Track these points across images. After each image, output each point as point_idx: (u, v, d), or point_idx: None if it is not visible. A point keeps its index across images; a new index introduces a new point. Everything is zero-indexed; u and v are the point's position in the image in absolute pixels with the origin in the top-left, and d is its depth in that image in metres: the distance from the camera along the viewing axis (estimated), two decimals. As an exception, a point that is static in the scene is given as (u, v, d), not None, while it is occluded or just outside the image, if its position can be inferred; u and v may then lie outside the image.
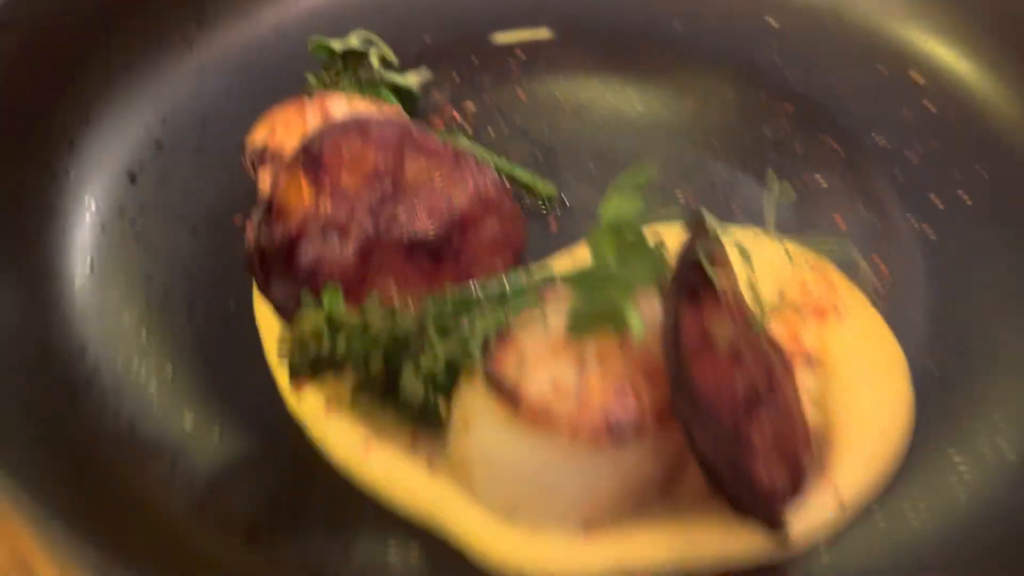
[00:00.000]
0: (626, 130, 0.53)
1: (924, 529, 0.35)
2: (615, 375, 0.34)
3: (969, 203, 0.48)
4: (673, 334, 0.32)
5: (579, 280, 0.33)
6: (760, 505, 0.34)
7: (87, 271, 0.43)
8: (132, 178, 0.48)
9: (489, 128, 0.53)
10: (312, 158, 0.40)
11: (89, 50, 0.49)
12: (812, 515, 0.35)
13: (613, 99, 0.56)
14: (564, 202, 0.49)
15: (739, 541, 0.34)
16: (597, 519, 0.35)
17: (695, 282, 0.33)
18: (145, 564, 0.26)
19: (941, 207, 0.49)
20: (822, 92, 0.55)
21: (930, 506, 0.36)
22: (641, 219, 0.34)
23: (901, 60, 0.56)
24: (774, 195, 0.38)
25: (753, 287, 0.36)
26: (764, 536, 0.35)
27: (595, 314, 0.34)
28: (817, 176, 0.51)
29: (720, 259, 0.35)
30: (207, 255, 0.46)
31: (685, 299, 0.33)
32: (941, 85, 0.54)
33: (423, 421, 0.37)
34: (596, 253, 0.33)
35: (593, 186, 0.49)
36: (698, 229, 0.34)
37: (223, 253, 0.45)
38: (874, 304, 0.44)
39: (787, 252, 0.37)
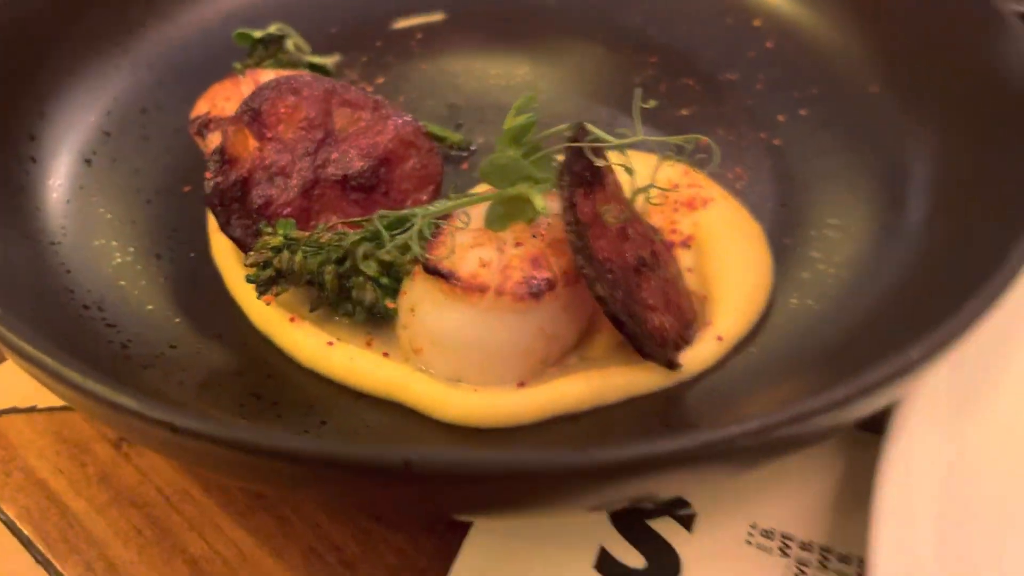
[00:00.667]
0: (518, 86, 0.62)
1: (784, 352, 0.44)
2: (529, 251, 0.42)
3: (806, 115, 0.58)
4: (571, 211, 0.40)
5: (492, 175, 0.41)
6: (656, 346, 0.42)
7: (63, 238, 0.49)
8: (88, 162, 0.54)
9: (399, 96, 0.61)
10: (254, 114, 0.47)
11: (39, 60, 0.55)
12: (698, 352, 0.44)
13: (504, 64, 0.64)
14: (471, 147, 0.57)
15: (642, 375, 0.42)
16: (528, 374, 0.42)
17: (583, 173, 0.42)
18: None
19: (784, 121, 0.58)
20: (681, 44, 0.65)
21: (787, 333, 0.45)
22: (533, 128, 0.43)
23: (746, 12, 0.66)
24: (638, 103, 0.46)
25: (633, 186, 0.45)
26: (661, 370, 0.43)
27: (507, 206, 0.42)
28: (682, 110, 0.60)
29: (603, 159, 0.43)
30: (163, 218, 0.52)
31: (576, 185, 0.41)
32: (778, 26, 0.64)
33: (375, 321, 0.45)
34: (504, 154, 0.41)
35: (496, 131, 0.57)
36: (582, 133, 0.43)
37: (177, 216, 0.52)
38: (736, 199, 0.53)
39: (659, 160, 0.45)
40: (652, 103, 0.46)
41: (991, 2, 0.51)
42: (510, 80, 0.62)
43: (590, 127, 0.43)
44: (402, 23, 0.67)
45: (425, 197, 0.49)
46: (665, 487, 0.36)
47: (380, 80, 0.62)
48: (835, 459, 0.43)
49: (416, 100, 0.60)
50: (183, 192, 0.54)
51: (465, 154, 0.57)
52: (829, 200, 0.52)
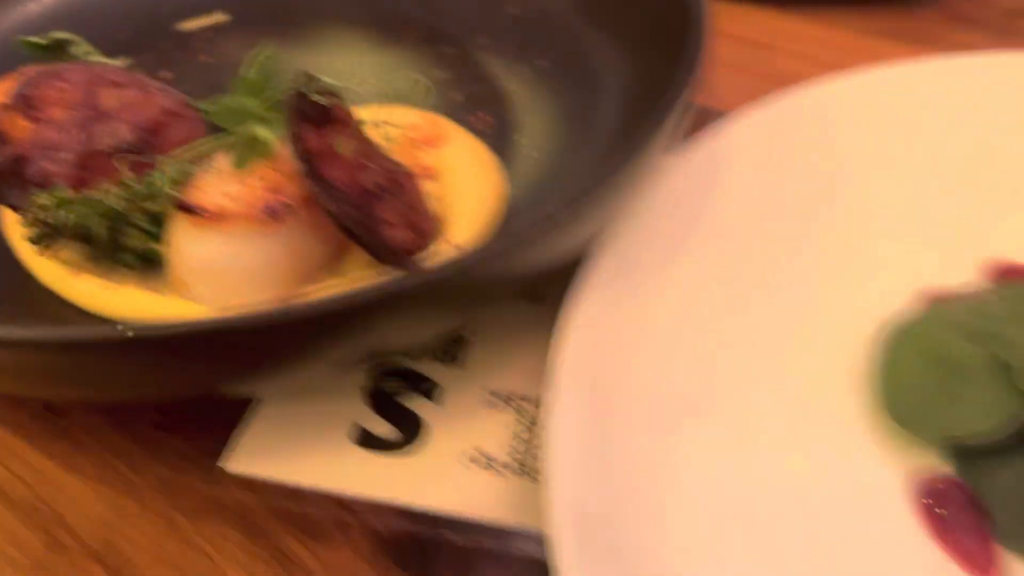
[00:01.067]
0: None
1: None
2: (270, 182, 0.48)
3: (546, 66, 0.67)
4: (296, 142, 0.47)
5: (225, 117, 0.48)
6: (392, 254, 0.49)
7: None
8: None
9: (182, 88, 0.67)
10: (24, 99, 0.52)
11: None
12: (437, 257, 0.51)
13: (285, 55, 0.71)
14: (249, 123, 0.64)
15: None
16: (286, 291, 0.49)
17: (308, 109, 0.49)
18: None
19: (528, 72, 0.67)
20: (436, 17, 0.73)
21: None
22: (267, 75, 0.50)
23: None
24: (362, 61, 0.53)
25: (377, 127, 0.52)
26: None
27: (245, 147, 0.48)
28: (438, 72, 0.68)
29: (338, 102, 0.51)
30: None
31: (300, 119, 0.48)
32: (521, -4, 0.73)
33: (147, 267, 0.51)
34: (236, 98, 0.48)
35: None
36: (308, 79, 0.50)
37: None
38: (482, 138, 0.61)
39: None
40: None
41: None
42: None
43: (320, 76, 0.50)
44: (187, 25, 0.73)
45: (196, 161, 0.56)
46: (383, 331, 0.43)
47: (167, 75, 0.68)
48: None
49: (199, 90, 0.66)
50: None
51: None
52: (553, 128, 0.60)
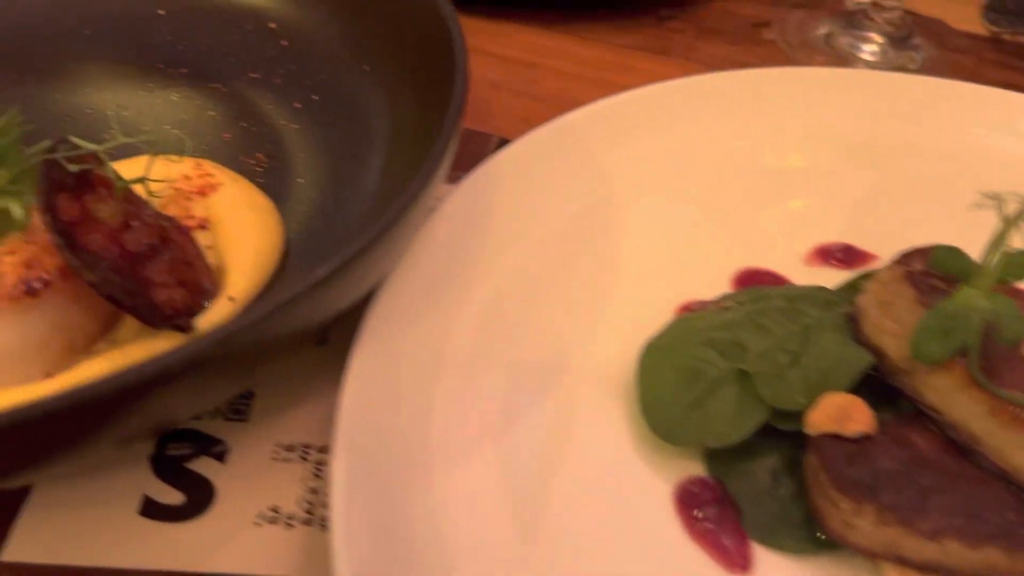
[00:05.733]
0: (52, 119, 0.65)
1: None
2: (24, 256, 0.46)
3: (317, 100, 0.67)
4: (48, 214, 0.45)
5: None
6: (163, 317, 0.48)
7: None
8: None
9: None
10: None
11: None
12: (213, 314, 0.51)
13: (39, 99, 0.68)
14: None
15: (162, 343, 0.49)
16: (53, 365, 0.47)
17: (60, 177, 0.47)
18: None
19: (300, 108, 0.67)
20: (207, 53, 0.71)
21: (293, 283, 0.53)
22: (14, 146, 0.47)
23: (261, 17, 0.74)
24: (115, 113, 0.52)
25: (142, 184, 0.51)
26: (182, 337, 0.49)
27: (-8, 219, 0.46)
28: (209, 112, 0.67)
29: (96, 164, 0.49)
30: None
31: (52, 190, 0.46)
32: (289, 27, 0.72)
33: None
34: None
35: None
36: (59, 142, 0.48)
37: None
38: (257, 180, 0.60)
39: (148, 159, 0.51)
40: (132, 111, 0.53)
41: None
42: (44, 110, 0.66)
43: (72, 138, 0.49)
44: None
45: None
46: (164, 404, 0.42)
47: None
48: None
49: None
50: None
51: None
52: (328, 168, 0.61)
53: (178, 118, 0.66)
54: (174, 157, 0.54)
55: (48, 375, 0.47)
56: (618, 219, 0.60)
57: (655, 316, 0.54)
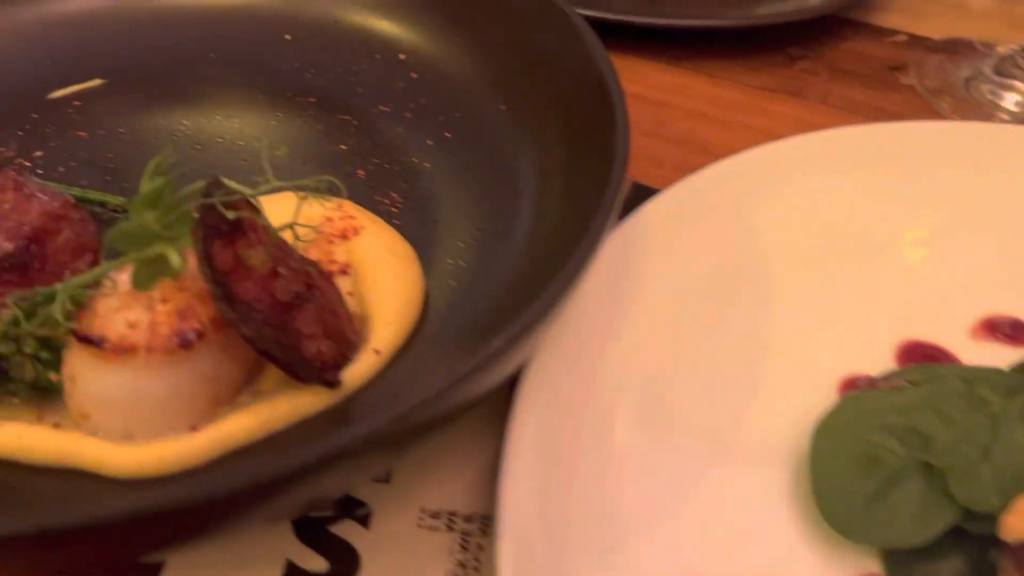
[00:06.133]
0: (180, 142, 0.64)
1: (436, 353, 0.50)
2: (177, 305, 0.45)
3: (450, 137, 0.65)
4: (205, 263, 0.44)
5: (127, 242, 0.44)
6: (314, 371, 0.46)
7: None
8: None
9: (59, 167, 0.62)
10: None
11: None
12: (358, 367, 0.49)
13: (166, 121, 0.66)
14: (136, 209, 0.59)
15: (308, 398, 0.47)
16: (199, 417, 0.45)
17: (217, 224, 0.45)
18: None
19: (432, 145, 0.65)
20: (335, 82, 0.70)
21: (438, 334, 0.51)
22: (168, 188, 0.46)
23: (391, 47, 0.72)
24: (267, 152, 0.50)
25: (290, 228, 0.49)
26: (327, 391, 0.47)
27: (147, 267, 0.45)
28: (341, 146, 0.65)
29: (247, 208, 0.47)
30: None
31: (209, 237, 0.45)
32: (420, 59, 0.70)
33: (42, 397, 0.46)
34: (136, 219, 0.44)
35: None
36: (214, 187, 0.46)
37: None
38: (392, 221, 0.58)
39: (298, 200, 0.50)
40: (284, 149, 0.51)
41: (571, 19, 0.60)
42: (173, 137, 0.65)
43: (225, 181, 0.47)
44: (59, 93, 0.67)
45: (84, 266, 0.51)
46: (324, 486, 0.40)
47: (38, 153, 0.62)
48: (492, 436, 0.49)
49: (76, 170, 0.61)
50: None
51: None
52: (469, 212, 0.59)
53: (312, 152, 0.64)
54: (322, 199, 0.52)
55: (194, 428, 0.45)
56: (771, 280, 0.56)
57: (817, 390, 0.51)
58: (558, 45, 0.61)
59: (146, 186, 0.46)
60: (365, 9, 0.73)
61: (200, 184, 0.46)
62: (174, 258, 0.44)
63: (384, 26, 0.72)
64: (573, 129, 0.57)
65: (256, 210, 0.48)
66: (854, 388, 0.51)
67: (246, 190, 0.47)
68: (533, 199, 0.56)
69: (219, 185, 0.46)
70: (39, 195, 0.51)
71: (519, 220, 0.55)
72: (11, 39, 0.69)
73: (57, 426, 0.45)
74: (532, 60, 0.63)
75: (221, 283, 0.44)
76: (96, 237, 0.52)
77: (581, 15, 0.61)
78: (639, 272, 0.54)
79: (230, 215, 0.45)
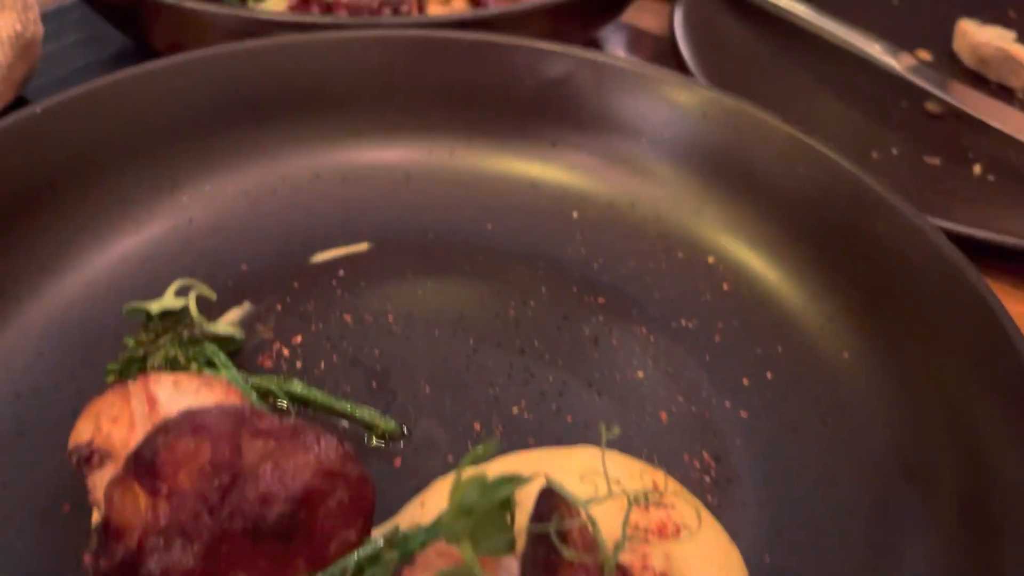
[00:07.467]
0: (454, 342, 0.55)
1: None
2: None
3: (772, 379, 0.53)
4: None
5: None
6: None
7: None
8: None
9: (321, 361, 0.53)
10: (145, 465, 0.39)
11: None
12: None
13: (436, 304, 0.57)
14: (405, 434, 0.50)
15: None
16: None
17: (547, 556, 0.35)
18: None
19: (748, 385, 0.53)
20: (629, 281, 0.59)
21: None
22: (492, 494, 0.36)
23: (697, 247, 0.61)
24: (604, 436, 0.41)
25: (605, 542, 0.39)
26: None
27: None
28: (637, 372, 0.54)
29: (571, 525, 0.37)
30: (39, 550, 0.43)
31: (539, 570, 0.35)
32: (734, 267, 0.59)
33: None
34: (449, 538, 0.34)
35: (432, 413, 0.50)
36: (547, 503, 0.36)
37: (56, 546, 0.44)
38: (706, 496, 0.47)
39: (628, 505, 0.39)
40: (615, 431, 0.41)
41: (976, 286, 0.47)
42: (444, 331, 0.55)
43: (557, 489, 0.37)
44: (321, 256, 0.60)
45: (354, 534, 0.42)
46: None
47: (297, 339, 0.54)
48: None
49: (337, 367, 0.53)
50: (62, 512, 0.45)
51: (401, 445, 0.49)
52: (814, 498, 0.47)
53: (602, 377, 0.54)
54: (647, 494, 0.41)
55: None
56: None
57: None
58: (938, 286, 0.49)
59: (460, 488, 0.36)
60: (672, 199, 0.63)
61: (528, 482, 0.36)
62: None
63: (691, 222, 0.62)
64: (959, 406, 0.44)
65: (595, 530, 0.38)
66: None
67: (578, 500, 0.37)
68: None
69: (551, 505, 0.36)
70: (315, 445, 0.42)
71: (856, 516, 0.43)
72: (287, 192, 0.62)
73: None
74: (901, 294, 0.51)
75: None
76: (372, 499, 0.43)
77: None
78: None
79: (566, 554, 0.35)
